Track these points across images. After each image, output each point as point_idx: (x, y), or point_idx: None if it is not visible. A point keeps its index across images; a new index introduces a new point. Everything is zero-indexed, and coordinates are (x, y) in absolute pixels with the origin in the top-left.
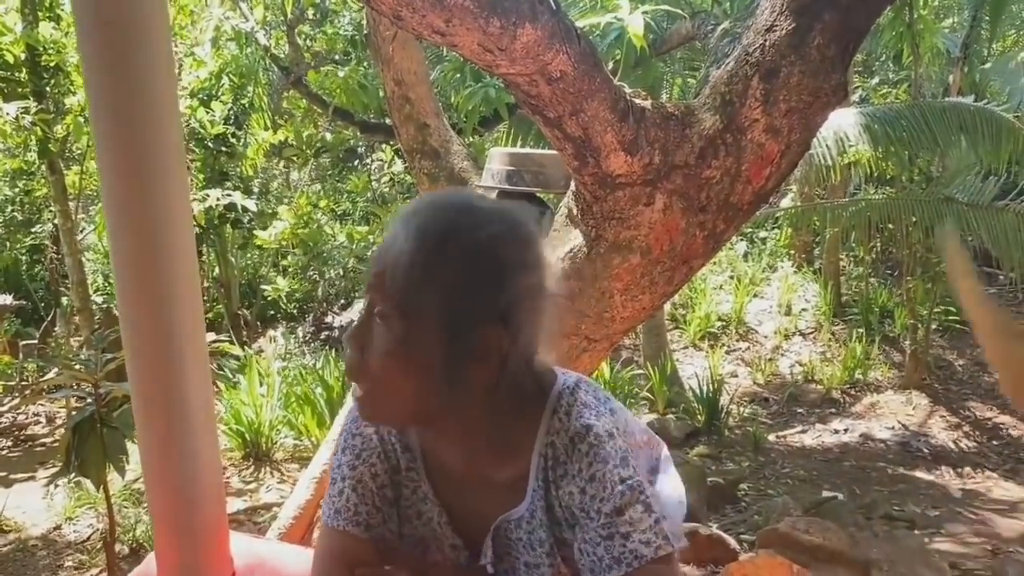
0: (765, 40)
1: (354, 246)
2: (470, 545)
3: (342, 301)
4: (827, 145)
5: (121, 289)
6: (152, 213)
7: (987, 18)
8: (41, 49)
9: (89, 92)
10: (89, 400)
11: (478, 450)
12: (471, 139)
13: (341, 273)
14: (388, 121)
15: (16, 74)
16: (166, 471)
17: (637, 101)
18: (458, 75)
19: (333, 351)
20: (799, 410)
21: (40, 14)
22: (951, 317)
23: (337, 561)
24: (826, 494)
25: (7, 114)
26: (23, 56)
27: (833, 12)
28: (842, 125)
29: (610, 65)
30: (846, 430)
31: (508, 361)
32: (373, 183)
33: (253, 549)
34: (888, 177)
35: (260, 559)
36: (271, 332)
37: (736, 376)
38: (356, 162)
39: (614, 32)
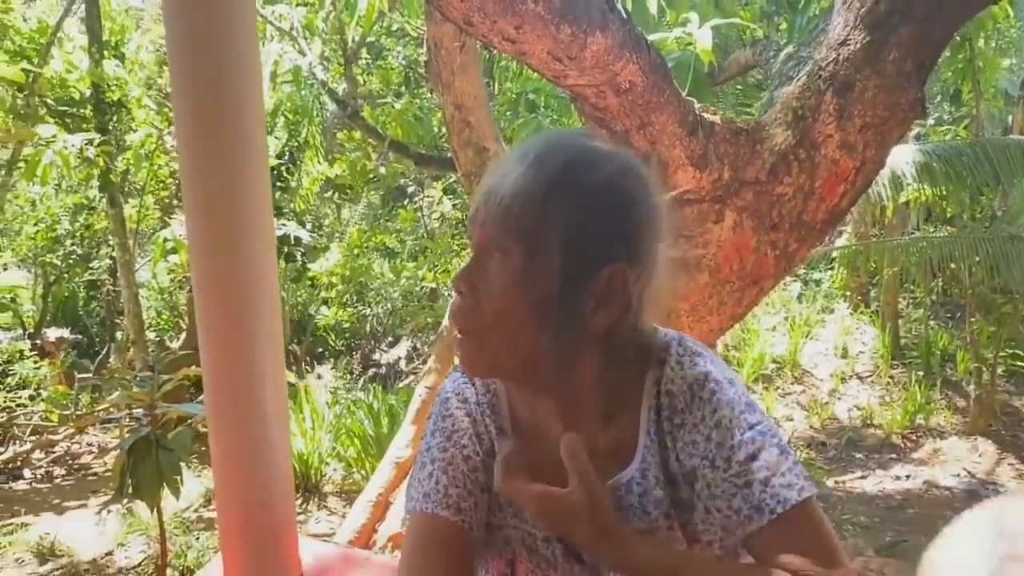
0: (839, 54)
1: (402, 282)
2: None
3: (389, 338)
4: (883, 183)
5: (200, 283)
6: (236, 223)
7: None
8: (105, 86)
9: (177, 113)
10: (145, 421)
11: (583, 412)
12: None
13: (389, 309)
14: (442, 154)
15: (81, 110)
16: (237, 469)
17: (706, 116)
18: (509, 112)
19: (381, 386)
20: (858, 455)
21: (106, 52)
22: (1018, 361)
23: (431, 547)
24: None
25: (72, 145)
26: (88, 93)
27: (909, 25)
28: (899, 162)
29: None
30: (908, 476)
31: (631, 306)
32: (424, 219)
33: (322, 553)
34: (947, 215)
35: (329, 563)
36: (319, 368)
37: (792, 419)
38: (405, 201)
39: (673, 60)
